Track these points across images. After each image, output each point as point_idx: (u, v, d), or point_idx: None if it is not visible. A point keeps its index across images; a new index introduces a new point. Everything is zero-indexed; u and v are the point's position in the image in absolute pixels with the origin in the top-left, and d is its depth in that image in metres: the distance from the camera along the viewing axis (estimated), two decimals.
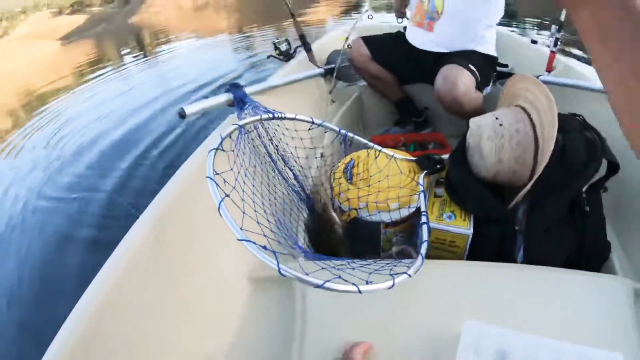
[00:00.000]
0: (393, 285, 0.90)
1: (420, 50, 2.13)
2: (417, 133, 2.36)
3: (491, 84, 2.13)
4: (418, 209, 1.31)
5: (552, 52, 2.01)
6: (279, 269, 0.80)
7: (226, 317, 1.18)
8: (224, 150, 1.05)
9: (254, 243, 0.82)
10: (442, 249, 1.33)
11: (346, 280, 0.84)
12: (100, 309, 0.89)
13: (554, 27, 1.98)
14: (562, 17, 1.91)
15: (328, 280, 0.82)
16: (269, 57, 2.59)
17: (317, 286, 0.82)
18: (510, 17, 7.45)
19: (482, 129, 1.31)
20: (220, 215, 0.86)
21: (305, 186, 1.52)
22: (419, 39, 2.12)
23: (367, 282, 0.86)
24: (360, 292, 0.85)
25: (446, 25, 1.98)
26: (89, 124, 5.28)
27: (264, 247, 0.82)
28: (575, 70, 1.97)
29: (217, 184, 0.90)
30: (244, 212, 0.92)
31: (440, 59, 1.99)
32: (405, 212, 1.35)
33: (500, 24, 2.06)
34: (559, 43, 1.99)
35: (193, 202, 1.19)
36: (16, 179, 4.09)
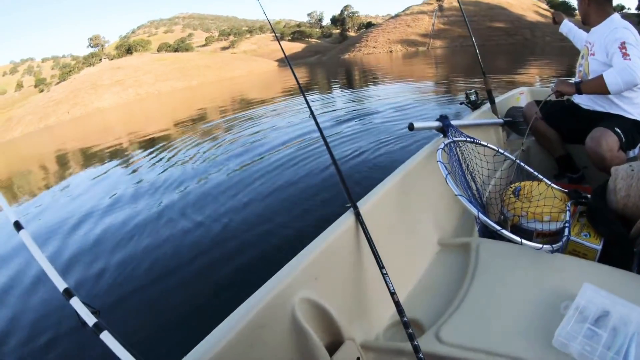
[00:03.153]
0: (542, 248, 1.52)
1: (580, 109, 2.53)
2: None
3: (638, 147, 2.38)
4: (563, 228, 1.82)
5: None
6: (477, 214, 1.48)
7: (420, 259, 1.84)
8: (444, 151, 1.81)
9: (464, 197, 1.51)
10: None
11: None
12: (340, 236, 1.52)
13: None
14: None
15: (502, 229, 1.47)
16: (461, 103, 3.15)
17: (497, 230, 1.48)
18: None
19: (618, 172, 1.86)
20: (447, 182, 1.58)
21: (483, 196, 2.18)
22: (594, 103, 2.46)
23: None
24: (521, 243, 1.50)
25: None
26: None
27: (470, 202, 1.51)
28: None
29: (445, 166, 1.62)
30: (456, 185, 1.63)
31: (594, 121, 2.34)
32: (554, 226, 1.89)
33: None
34: None
35: (414, 181, 1.92)
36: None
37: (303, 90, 2.10)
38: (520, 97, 3.43)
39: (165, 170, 7.90)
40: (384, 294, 1.32)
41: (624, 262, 1.68)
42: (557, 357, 1.18)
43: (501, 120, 3.00)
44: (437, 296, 1.65)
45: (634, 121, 2.33)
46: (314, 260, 1.38)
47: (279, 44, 2.34)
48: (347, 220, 1.54)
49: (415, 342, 1.17)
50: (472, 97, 3.06)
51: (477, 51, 3.09)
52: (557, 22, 2.95)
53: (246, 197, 5.29)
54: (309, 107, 1.95)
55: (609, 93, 2.15)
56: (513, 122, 2.96)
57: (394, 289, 1.31)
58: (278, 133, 8.79)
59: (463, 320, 1.40)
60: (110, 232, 5.09)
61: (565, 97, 2.55)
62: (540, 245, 1.56)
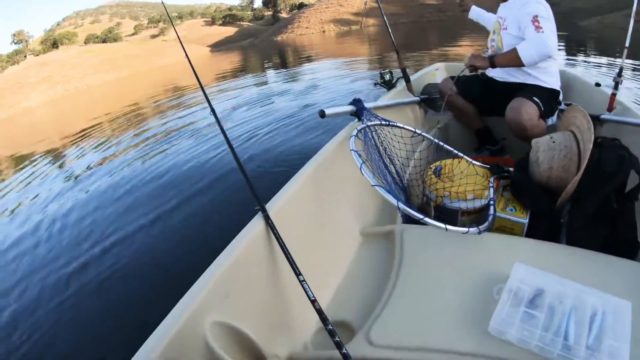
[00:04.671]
0: (467, 232, 1.43)
1: (495, 82, 2.54)
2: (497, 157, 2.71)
3: (555, 115, 2.48)
4: (487, 204, 1.78)
5: (612, 94, 2.33)
6: (397, 204, 1.35)
7: (342, 254, 1.71)
8: (358, 138, 1.66)
9: (382, 187, 1.38)
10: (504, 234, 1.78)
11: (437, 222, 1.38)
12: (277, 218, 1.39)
13: (615, 72, 2.32)
14: (622, 63, 2.27)
15: (426, 217, 1.35)
16: (375, 84, 3.08)
17: (420, 219, 1.36)
18: None
19: (540, 144, 1.80)
20: (362, 172, 1.45)
21: (404, 179, 2.08)
22: (509, 75, 2.49)
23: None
24: (446, 229, 1.39)
25: None
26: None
27: (388, 191, 1.38)
28: (632, 111, 2.24)
29: (358, 154, 1.48)
30: (373, 174, 1.49)
31: (510, 92, 2.36)
32: (478, 203, 1.82)
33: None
34: (619, 86, 2.32)
35: (329, 172, 1.77)
36: None
37: (203, 87, 1.94)
38: (436, 73, 3.40)
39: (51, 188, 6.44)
40: (306, 301, 1.20)
41: (552, 234, 1.68)
42: (496, 344, 1.14)
43: (417, 98, 2.95)
44: (365, 292, 1.54)
45: (550, 90, 2.40)
46: (223, 277, 1.21)
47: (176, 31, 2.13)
48: (256, 226, 1.38)
49: (344, 350, 1.07)
50: (387, 77, 3.00)
51: (390, 30, 3.03)
52: (465, 9, 2.94)
53: (144, 217, 4.34)
54: (210, 105, 1.80)
55: (523, 65, 2.22)
56: (429, 99, 2.91)
57: (314, 296, 1.18)
58: (182, 136, 7.75)
59: (393, 317, 1.31)
60: None
61: (480, 72, 2.60)
62: (466, 229, 1.48)
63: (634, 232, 1.63)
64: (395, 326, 1.28)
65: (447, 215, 1.86)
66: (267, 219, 1.37)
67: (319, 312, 1.15)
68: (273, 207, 1.47)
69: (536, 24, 2.14)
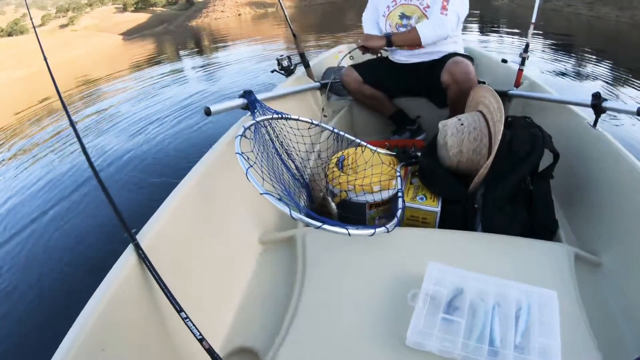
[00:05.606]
0: (374, 233, 1.24)
1: (411, 65, 2.42)
2: (408, 139, 2.60)
3: None
4: (396, 194, 1.62)
5: (519, 69, 2.29)
6: (290, 213, 1.13)
7: (240, 269, 1.47)
8: (246, 137, 1.40)
9: (272, 195, 1.14)
10: (416, 225, 1.64)
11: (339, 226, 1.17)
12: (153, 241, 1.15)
13: (521, 48, 2.27)
14: (529, 39, 2.21)
15: (325, 223, 1.14)
16: (272, 71, 2.82)
17: (317, 227, 1.15)
18: None
19: (447, 128, 1.63)
20: (248, 178, 1.20)
21: (305, 175, 1.85)
22: (413, 56, 2.40)
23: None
24: (349, 234, 1.19)
25: None
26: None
27: (279, 199, 1.14)
28: (539, 85, 2.24)
29: (244, 157, 1.23)
30: (263, 179, 1.25)
31: (433, 67, 2.28)
32: (386, 195, 1.65)
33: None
34: (525, 62, 2.28)
35: (217, 179, 1.51)
36: None
37: (63, 99, 1.66)
38: (339, 55, 3.19)
39: None
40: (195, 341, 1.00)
41: (467, 220, 1.58)
42: (416, 358, 1.04)
43: (318, 84, 2.73)
44: (268, 311, 1.33)
45: (466, 56, 2.29)
46: (96, 326, 0.96)
47: None
48: (127, 260, 1.10)
49: None
50: (285, 63, 2.75)
51: (285, 12, 2.79)
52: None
53: None
54: (69, 116, 1.52)
55: (420, 45, 2.24)
56: (331, 83, 2.68)
57: (200, 335, 0.97)
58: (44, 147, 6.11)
59: (301, 337, 1.14)
60: None
61: (378, 54, 2.50)
62: (373, 230, 1.28)
63: (551, 211, 1.56)
64: (305, 348, 1.12)
65: (353, 210, 1.68)
66: (138, 249, 1.11)
67: (209, 351, 0.96)
68: (147, 233, 1.18)
69: (445, 3, 2.15)
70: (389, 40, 2.24)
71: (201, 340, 0.97)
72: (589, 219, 1.55)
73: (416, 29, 2.16)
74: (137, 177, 4.08)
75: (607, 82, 5.55)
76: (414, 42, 2.21)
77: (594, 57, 7.18)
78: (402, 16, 2.36)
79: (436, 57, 2.34)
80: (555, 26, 11.76)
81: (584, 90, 5.14)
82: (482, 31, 10.96)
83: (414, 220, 1.64)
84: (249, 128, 1.51)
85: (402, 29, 2.35)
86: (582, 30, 11.50)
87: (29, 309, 2.54)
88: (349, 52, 2.71)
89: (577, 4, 13.92)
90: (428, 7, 2.27)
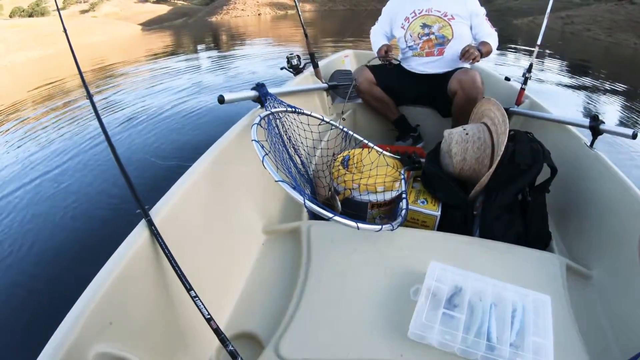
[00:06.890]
0: (381, 229, 1.32)
1: (426, 75, 2.50)
2: (410, 146, 2.66)
3: None
4: (398, 196, 1.68)
5: (522, 88, 2.36)
6: (304, 202, 1.19)
7: (245, 257, 1.52)
8: (261, 127, 1.47)
9: (287, 183, 1.20)
10: (416, 228, 1.69)
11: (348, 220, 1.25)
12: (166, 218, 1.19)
13: (524, 68, 2.35)
14: (533, 59, 2.28)
15: (335, 215, 1.20)
16: (282, 68, 2.86)
17: (329, 219, 1.21)
18: None
19: (453, 136, 1.70)
20: (264, 166, 1.27)
21: (309, 171, 1.91)
22: (430, 67, 2.49)
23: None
24: (358, 228, 1.26)
25: (456, 45, 2.39)
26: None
27: (294, 188, 1.20)
28: (539, 105, 2.30)
29: (261, 145, 1.30)
30: (277, 168, 1.32)
31: (444, 79, 2.36)
32: (388, 196, 1.70)
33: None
34: (528, 82, 2.34)
35: (227, 166, 1.55)
36: None
37: (84, 76, 1.72)
38: (345, 59, 3.27)
39: None
40: (204, 319, 1.02)
41: (465, 226, 1.64)
42: (417, 350, 1.08)
43: (325, 85, 2.78)
44: (272, 299, 1.36)
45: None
46: (105, 300, 0.97)
47: None
48: (139, 236, 1.12)
49: None
50: (294, 62, 2.80)
51: (299, 11, 2.92)
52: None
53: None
54: (88, 91, 1.54)
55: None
56: (337, 85, 2.76)
57: (209, 314, 1.00)
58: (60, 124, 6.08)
59: (305, 326, 1.18)
60: None
61: (389, 62, 2.54)
62: (379, 227, 1.35)
63: (545, 223, 1.62)
64: (308, 336, 1.15)
65: (355, 208, 1.73)
66: (150, 225, 1.13)
67: (217, 332, 0.99)
68: (160, 210, 1.21)
69: (489, 22, 2.45)
70: (481, 52, 2.30)
71: (209, 319, 0.99)
72: (581, 234, 1.60)
73: (489, 43, 2.37)
74: (147, 159, 4.17)
75: (614, 105, 5.68)
76: (489, 53, 2.37)
77: (608, 80, 7.18)
78: (424, 26, 2.46)
79: (449, 69, 2.41)
80: (573, 49, 11.82)
81: (586, 110, 5.31)
82: (498, 48, 11.01)
83: (413, 222, 1.69)
84: (264, 118, 1.57)
85: (424, 38, 2.45)
86: (598, 54, 11.51)
87: (41, 275, 2.61)
88: (370, 60, 2.68)
89: (596, 29, 13.93)
90: (453, 18, 2.41)
